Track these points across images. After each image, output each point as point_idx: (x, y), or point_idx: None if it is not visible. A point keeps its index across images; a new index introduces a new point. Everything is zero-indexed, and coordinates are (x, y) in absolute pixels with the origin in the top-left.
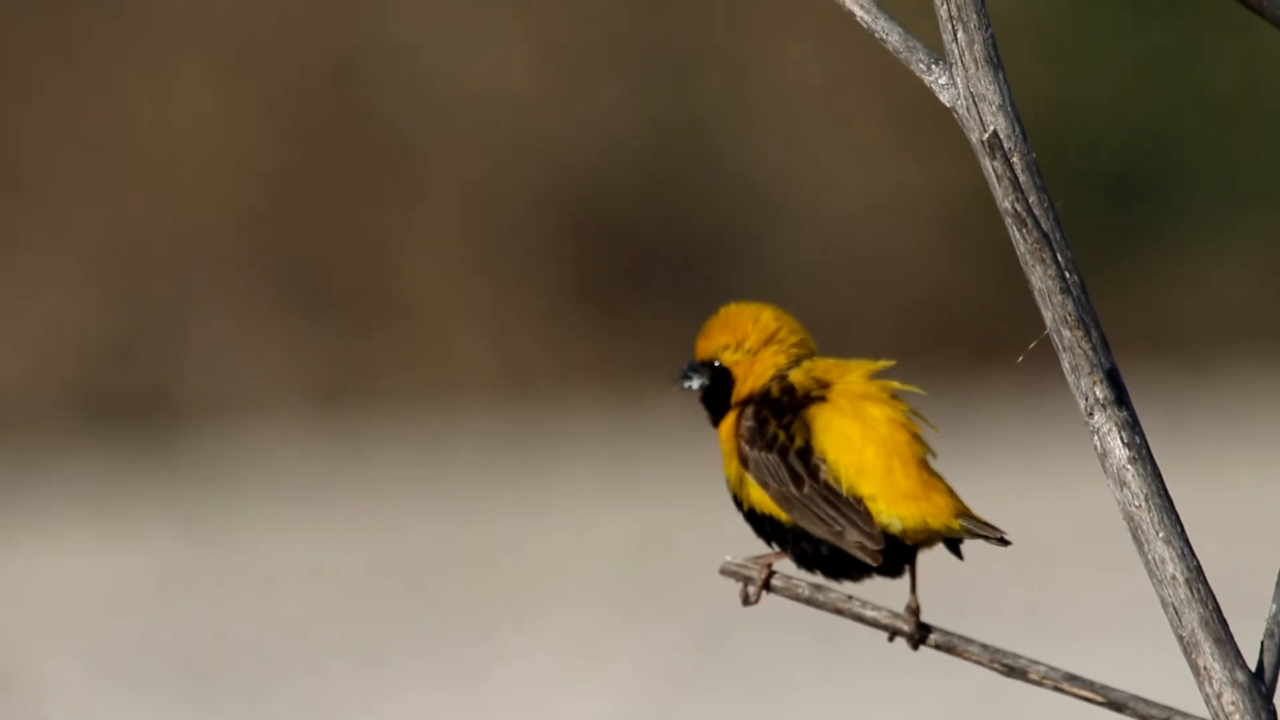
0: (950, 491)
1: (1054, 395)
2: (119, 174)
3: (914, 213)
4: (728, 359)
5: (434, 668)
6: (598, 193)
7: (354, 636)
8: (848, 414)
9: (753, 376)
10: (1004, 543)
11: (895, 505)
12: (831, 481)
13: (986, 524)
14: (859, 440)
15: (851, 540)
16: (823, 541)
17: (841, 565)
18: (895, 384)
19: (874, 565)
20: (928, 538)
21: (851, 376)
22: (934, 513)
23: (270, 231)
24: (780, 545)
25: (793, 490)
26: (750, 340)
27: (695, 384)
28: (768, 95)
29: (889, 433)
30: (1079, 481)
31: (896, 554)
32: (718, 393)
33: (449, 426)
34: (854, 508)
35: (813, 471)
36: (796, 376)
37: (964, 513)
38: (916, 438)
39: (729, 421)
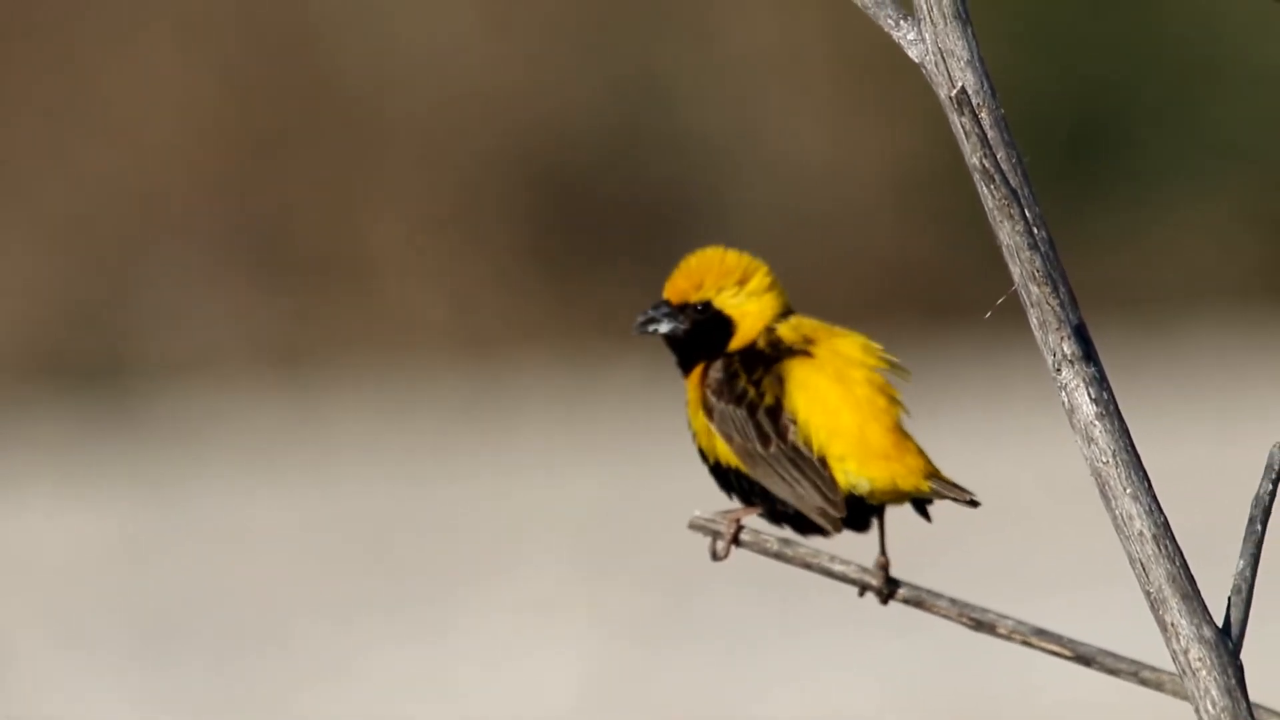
0: (922, 453)
1: (1014, 354)
2: (79, 137)
3: (870, 173)
4: (723, 301)
5: (396, 627)
6: (557, 154)
7: (315, 597)
8: (828, 373)
9: (747, 324)
10: (974, 504)
11: (866, 465)
12: (800, 443)
13: (956, 485)
14: (835, 401)
15: (813, 505)
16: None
17: (810, 521)
18: (881, 350)
19: (833, 532)
20: (896, 498)
21: (843, 341)
22: (904, 474)
23: (230, 194)
24: (746, 499)
25: (758, 448)
26: (753, 283)
27: (665, 328)
28: (726, 55)
29: (866, 394)
30: (1041, 439)
31: (864, 513)
32: (700, 337)
33: (408, 388)
34: (819, 472)
35: (781, 431)
36: (784, 331)
37: (934, 474)
38: (893, 400)
39: (698, 371)
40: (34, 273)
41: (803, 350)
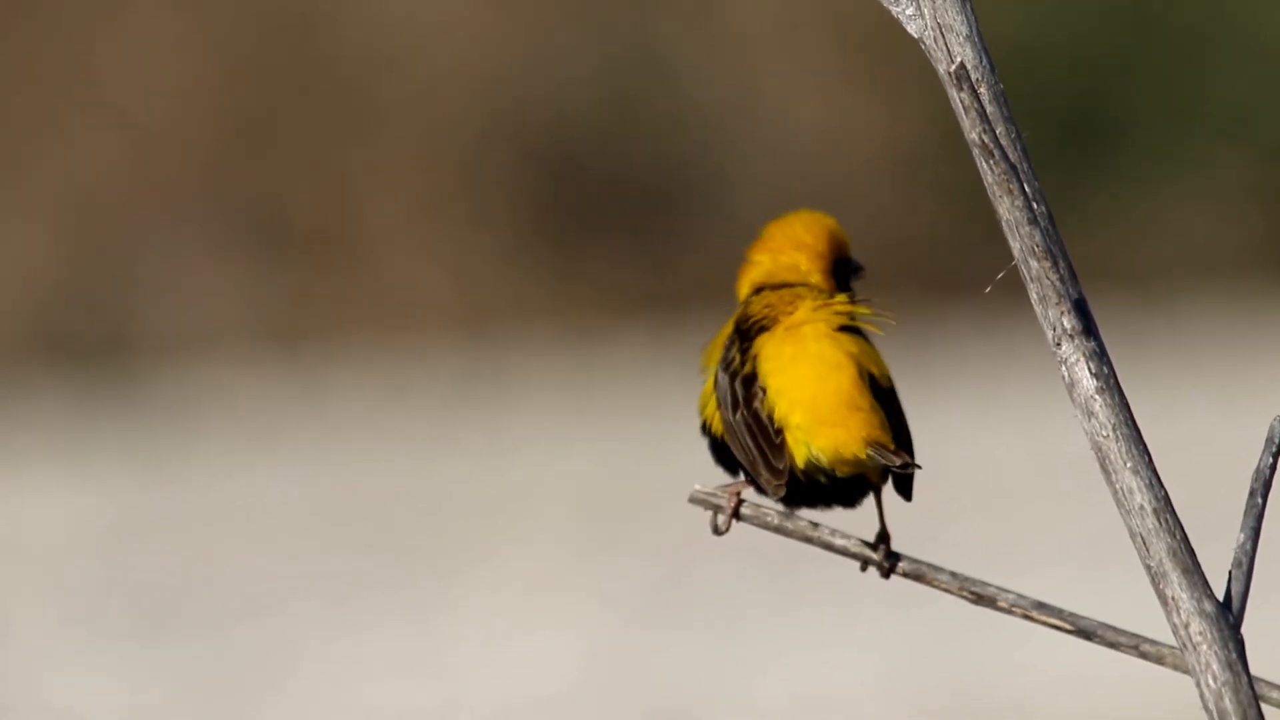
0: (870, 417)
1: (1015, 327)
2: (76, 115)
3: (870, 147)
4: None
5: (395, 605)
6: (556, 131)
7: (315, 575)
8: (789, 342)
9: (744, 280)
10: (906, 468)
11: (815, 435)
12: (762, 411)
13: (892, 450)
14: (793, 367)
15: (761, 472)
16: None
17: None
18: (848, 307)
19: (776, 497)
20: (848, 466)
21: (803, 303)
22: (845, 440)
23: (229, 172)
24: (731, 469)
25: (729, 415)
26: (784, 256)
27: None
28: (723, 30)
29: (826, 364)
30: (1041, 413)
31: (841, 487)
32: None
33: (407, 365)
34: (770, 440)
35: (749, 399)
36: (754, 304)
37: (875, 440)
38: (861, 367)
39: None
40: (32, 251)
41: (773, 320)
